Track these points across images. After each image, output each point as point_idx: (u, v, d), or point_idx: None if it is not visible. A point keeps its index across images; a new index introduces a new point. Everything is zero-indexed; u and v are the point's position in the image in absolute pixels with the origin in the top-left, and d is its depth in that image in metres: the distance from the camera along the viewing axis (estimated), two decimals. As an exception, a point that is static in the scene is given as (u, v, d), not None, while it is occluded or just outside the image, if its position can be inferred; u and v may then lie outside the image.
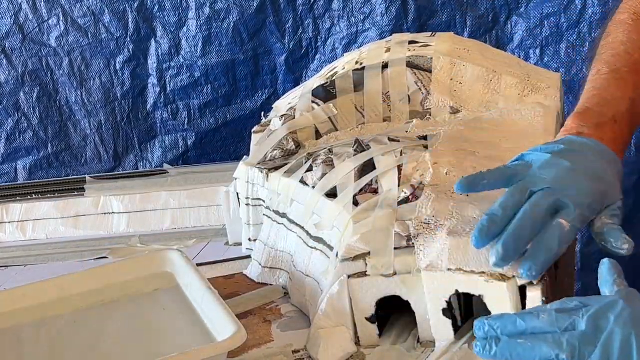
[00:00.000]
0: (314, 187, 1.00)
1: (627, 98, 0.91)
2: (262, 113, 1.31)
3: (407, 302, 0.86)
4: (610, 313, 0.68)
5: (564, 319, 0.69)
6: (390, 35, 1.38)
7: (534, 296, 0.77)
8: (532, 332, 0.70)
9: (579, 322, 0.69)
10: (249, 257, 1.13)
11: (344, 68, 1.22)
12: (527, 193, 0.80)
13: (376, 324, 0.87)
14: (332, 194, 0.97)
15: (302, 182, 1.03)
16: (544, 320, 0.70)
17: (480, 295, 0.80)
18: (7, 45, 1.78)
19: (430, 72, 1.16)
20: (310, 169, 1.03)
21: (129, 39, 1.77)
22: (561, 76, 1.23)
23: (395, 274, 0.85)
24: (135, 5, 1.75)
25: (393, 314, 0.90)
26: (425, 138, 1.05)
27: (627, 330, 0.67)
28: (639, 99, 0.93)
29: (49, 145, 1.84)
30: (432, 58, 1.17)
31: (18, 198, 1.43)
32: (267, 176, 1.09)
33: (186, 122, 1.81)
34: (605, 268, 0.74)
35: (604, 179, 0.82)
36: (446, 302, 0.83)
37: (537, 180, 0.80)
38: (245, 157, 1.16)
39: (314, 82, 1.23)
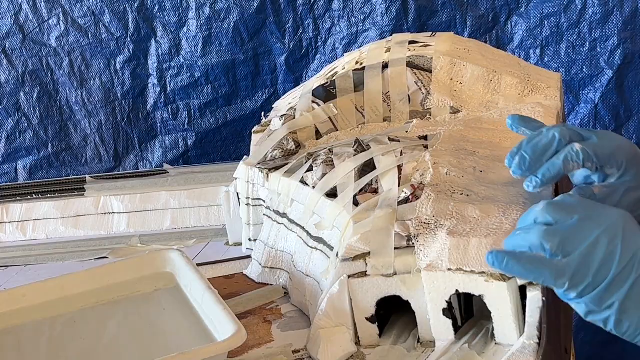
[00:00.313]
0: (314, 187, 1.00)
1: None
2: (262, 113, 1.31)
3: (407, 302, 0.86)
4: (603, 221, 0.72)
5: (559, 212, 0.73)
6: (390, 35, 1.38)
7: (534, 296, 0.77)
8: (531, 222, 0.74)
9: (572, 218, 0.72)
10: (249, 257, 1.13)
11: (344, 68, 1.22)
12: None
13: (376, 324, 0.87)
14: (332, 194, 0.97)
15: (302, 182, 1.03)
16: (537, 210, 0.74)
17: (480, 295, 0.80)
18: (7, 45, 1.78)
19: (430, 72, 1.16)
20: (310, 169, 1.03)
21: (129, 39, 1.77)
22: (561, 76, 1.23)
23: (395, 274, 0.85)
24: (136, 5, 1.75)
25: (393, 314, 0.90)
26: (425, 138, 1.05)
27: (613, 243, 0.70)
28: None
29: (49, 145, 1.84)
30: (432, 58, 1.17)
31: (18, 198, 1.43)
32: (267, 176, 1.09)
33: (186, 122, 1.81)
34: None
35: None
36: (446, 302, 0.83)
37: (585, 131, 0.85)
38: (245, 157, 1.16)
39: (314, 82, 1.23)
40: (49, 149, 1.84)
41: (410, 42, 1.23)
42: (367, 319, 0.87)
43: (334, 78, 1.19)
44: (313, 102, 1.18)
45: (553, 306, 0.77)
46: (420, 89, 1.16)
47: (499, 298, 0.79)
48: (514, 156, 0.82)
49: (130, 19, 1.75)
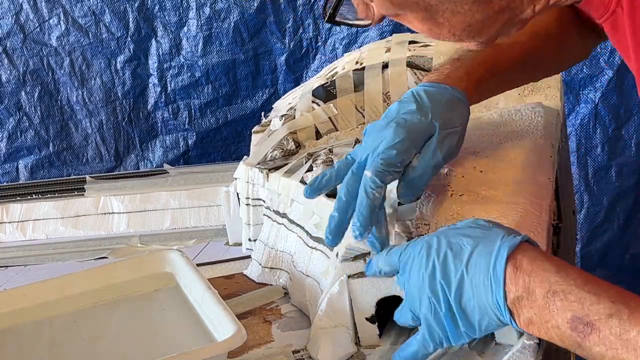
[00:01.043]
0: (314, 187, 1.00)
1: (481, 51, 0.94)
2: (263, 113, 1.31)
3: (407, 302, 0.85)
4: (410, 254, 0.76)
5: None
6: (390, 35, 1.38)
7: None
8: None
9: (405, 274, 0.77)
10: (249, 257, 1.13)
11: (344, 68, 1.22)
12: (352, 162, 0.87)
13: (376, 324, 0.87)
14: (332, 194, 0.97)
15: (302, 182, 1.03)
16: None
17: (479, 296, 0.80)
18: (8, 45, 1.79)
19: (430, 72, 1.16)
20: (310, 169, 1.03)
21: (129, 39, 1.77)
22: (561, 76, 1.23)
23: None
24: (136, 5, 1.75)
25: (393, 314, 0.90)
26: (425, 138, 1.04)
27: (422, 263, 0.73)
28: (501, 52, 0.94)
29: (50, 144, 1.84)
30: (432, 58, 1.17)
31: (18, 198, 1.43)
32: (267, 176, 1.09)
33: (187, 122, 1.81)
34: None
35: (412, 124, 0.86)
36: (446, 302, 0.82)
37: (359, 150, 0.87)
38: (245, 157, 1.16)
39: (314, 82, 1.23)
40: (50, 148, 1.84)
41: (410, 42, 1.23)
42: (367, 319, 0.87)
43: (334, 78, 1.19)
44: (313, 102, 1.18)
45: (553, 306, 0.77)
46: (420, 89, 1.16)
47: (498, 298, 0.79)
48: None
49: (130, 19, 1.76)
